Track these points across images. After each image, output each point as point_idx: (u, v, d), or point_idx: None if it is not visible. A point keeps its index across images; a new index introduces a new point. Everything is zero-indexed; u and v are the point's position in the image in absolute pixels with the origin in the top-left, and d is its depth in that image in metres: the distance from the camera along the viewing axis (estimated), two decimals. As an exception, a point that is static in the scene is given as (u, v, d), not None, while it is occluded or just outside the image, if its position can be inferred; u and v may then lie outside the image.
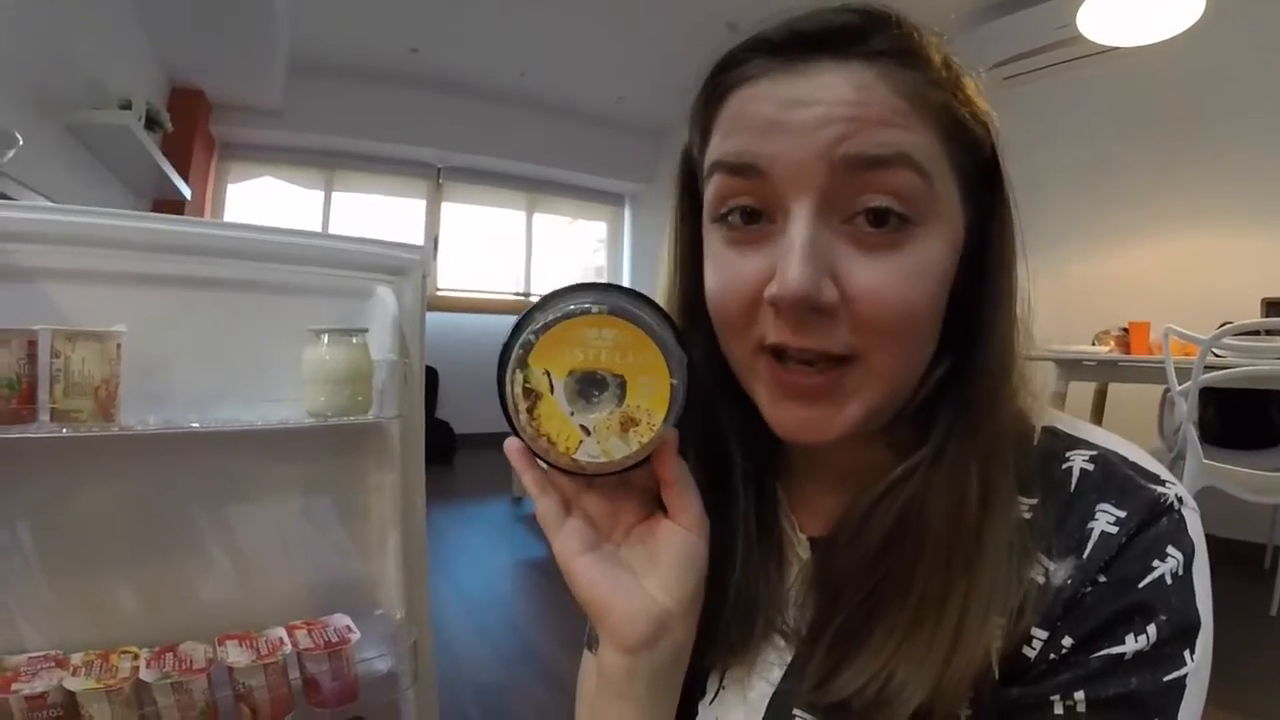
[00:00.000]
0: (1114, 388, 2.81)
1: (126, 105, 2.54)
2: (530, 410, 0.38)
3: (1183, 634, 0.36)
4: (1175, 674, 0.36)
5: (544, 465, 0.42)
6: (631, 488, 0.44)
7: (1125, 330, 2.61)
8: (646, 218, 6.27)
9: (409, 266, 1.20)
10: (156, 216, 1.01)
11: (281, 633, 1.03)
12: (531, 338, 0.38)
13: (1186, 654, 0.36)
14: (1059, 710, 0.36)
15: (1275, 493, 1.81)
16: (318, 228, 5.18)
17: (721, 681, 0.47)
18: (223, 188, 4.73)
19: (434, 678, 1.26)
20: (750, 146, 0.39)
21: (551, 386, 0.39)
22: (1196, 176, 3.00)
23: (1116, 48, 2.54)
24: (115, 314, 0.94)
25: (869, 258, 0.38)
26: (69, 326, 0.86)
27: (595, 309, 0.38)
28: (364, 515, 1.20)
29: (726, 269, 0.41)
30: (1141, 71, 3.11)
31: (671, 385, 0.39)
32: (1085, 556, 0.37)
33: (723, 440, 0.48)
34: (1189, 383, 1.90)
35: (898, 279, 0.38)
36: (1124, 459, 0.40)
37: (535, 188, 6.01)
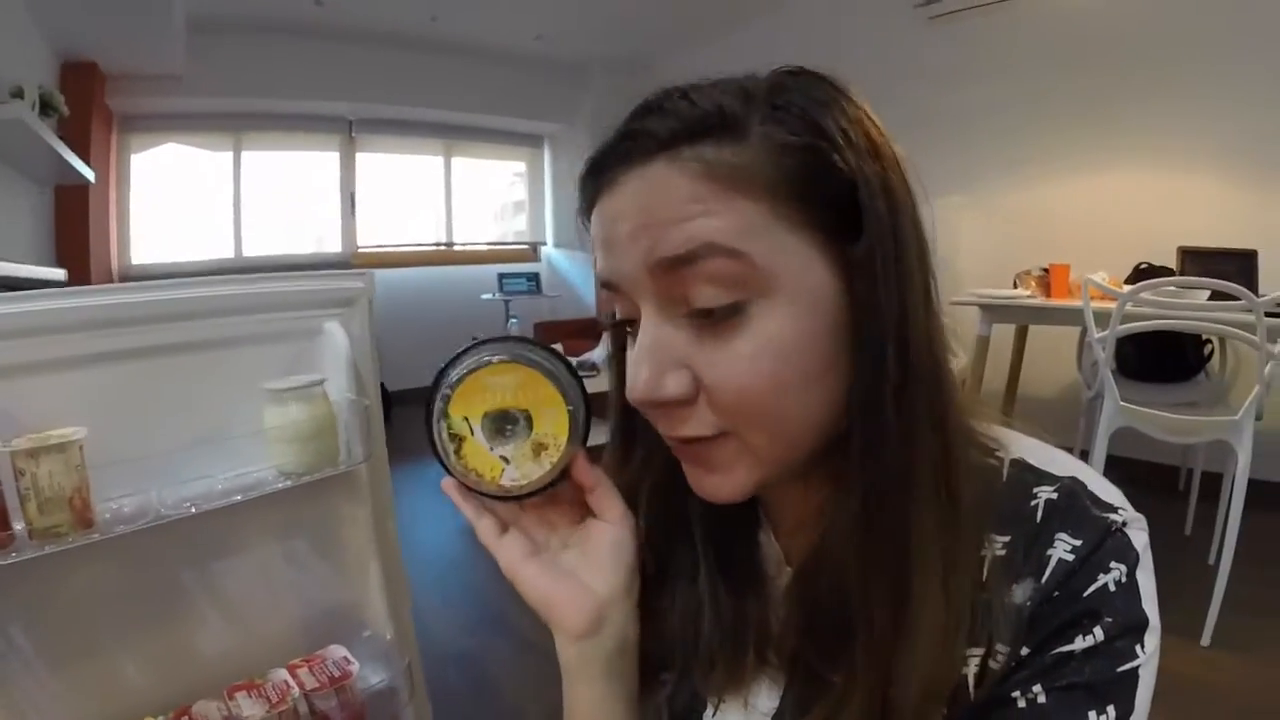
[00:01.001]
0: (1035, 326, 2.95)
1: (18, 93, 2.34)
2: (457, 451, 0.46)
3: (1131, 630, 0.38)
4: (1128, 665, 0.38)
5: (480, 495, 0.49)
6: (559, 501, 0.51)
7: (1046, 271, 2.73)
8: (566, 158, 6.15)
9: (355, 296, 1.19)
10: (81, 291, 0.95)
11: (284, 674, 1.06)
12: (448, 391, 0.46)
13: (1137, 648, 0.38)
14: (1021, 704, 0.38)
15: (1187, 433, 1.95)
16: (229, 192, 4.90)
17: (718, 706, 0.50)
18: (125, 161, 4.42)
19: (424, 685, 1.31)
20: (602, 264, 0.43)
21: (471, 429, 0.46)
22: (1120, 118, 3.08)
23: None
24: (58, 402, 0.92)
25: (713, 345, 0.40)
26: (25, 439, 0.82)
27: (495, 359, 0.46)
28: (342, 548, 1.22)
29: (622, 368, 0.46)
30: (1071, 11, 3.17)
31: (569, 411, 0.47)
32: (1043, 580, 0.39)
33: (682, 496, 0.48)
34: (1106, 331, 2.03)
35: (745, 361, 0.39)
36: (1085, 488, 0.42)
37: (452, 134, 5.82)
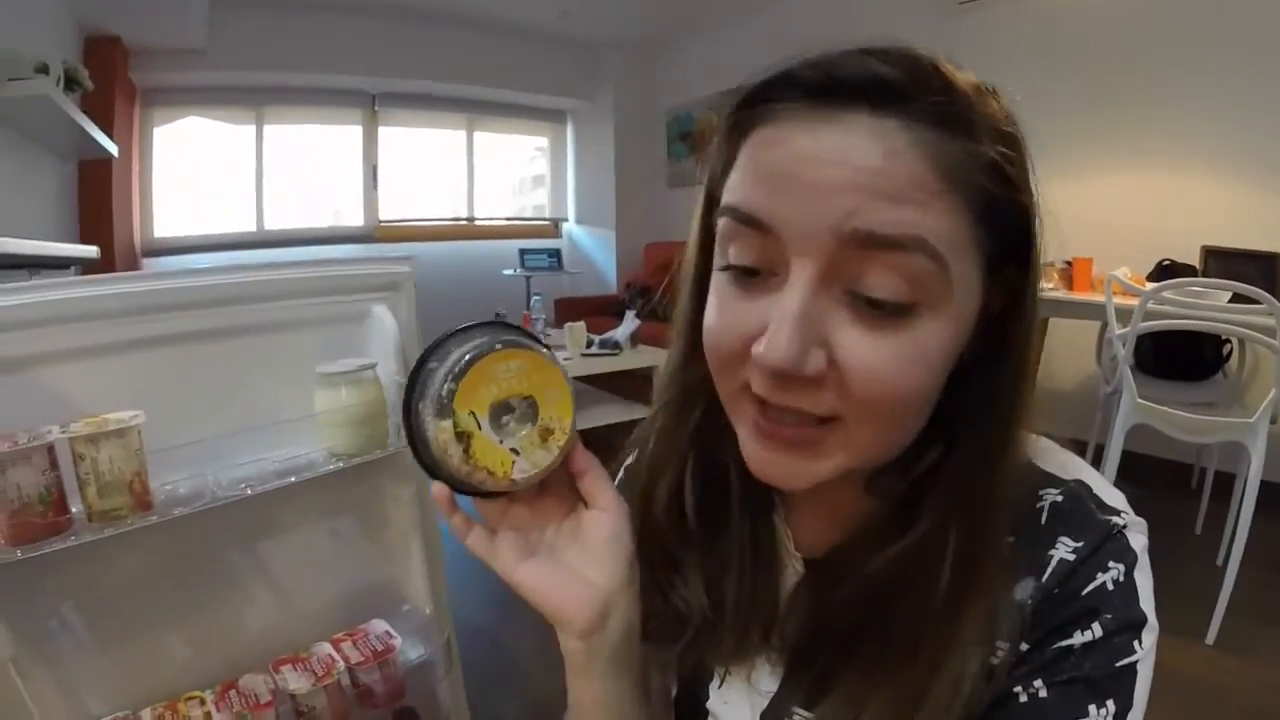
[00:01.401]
0: (1054, 319, 2.95)
1: (43, 69, 2.34)
2: (466, 450, 0.42)
3: (1129, 627, 0.39)
4: (1126, 660, 0.39)
5: (478, 494, 0.46)
6: (548, 490, 0.48)
7: (1069, 264, 2.73)
8: (590, 134, 6.13)
9: (401, 280, 1.21)
10: (133, 277, 0.98)
11: (328, 648, 1.11)
12: (452, 385, 0.41)
13: (1135, 644, 0.39)
14: (1023, 699, 0.39)
15: (1203, 433, 1.97)
16: (251, 166, 4.91)
17: (723, 678, 0.51)
18: (148, 135, 4.42)
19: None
20: (761, 201, 0.38)
21: (479, 424, 0.42)
22: (1146, 115, 3.05)
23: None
24: (112, 386, 0.94)
25: (866, 333, 0.37)
26: (83, 423, 0.84)
27: (499, 346, 0.43)
28: (385, 525, 1.27)
29: (723, 311, 0.41)
30: (1101, 4, 3.13)
31: (571, 391, 0.45)
32: (1044, 579, 0.40)
33: (725, 464, 0.49)
34: (1128, 328, 2.04)
35: (893, 361, 0.37)
36: (1089, 491, 0.43)
37: (475, 108, 5.78)
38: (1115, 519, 0.41)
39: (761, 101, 0.39)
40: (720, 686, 0.52)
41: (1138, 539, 0.41)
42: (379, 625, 1.18)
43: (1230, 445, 2.07)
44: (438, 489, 0.46)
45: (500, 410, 0.43)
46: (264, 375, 1.09)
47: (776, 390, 0.38)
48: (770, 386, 0.38)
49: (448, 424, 0.42)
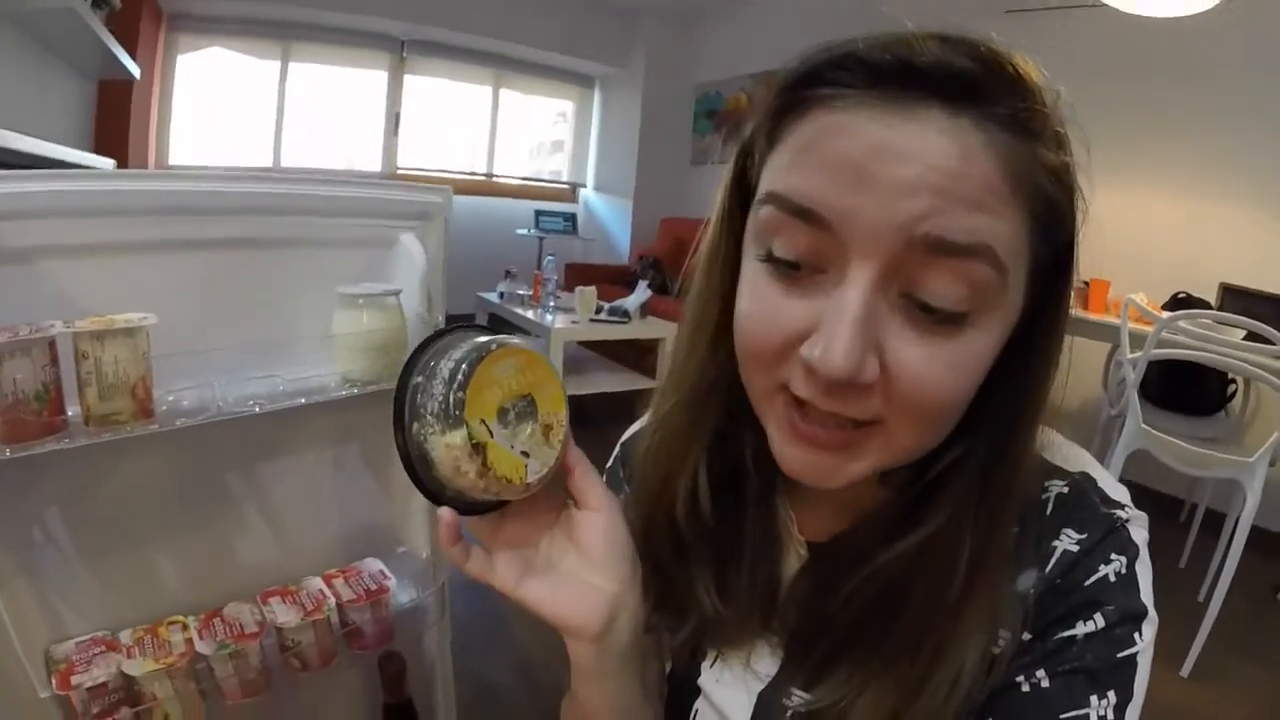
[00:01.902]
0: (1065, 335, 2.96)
1: (71, -18, 2.31)
2: (483, 462, 0.39)
3: (1130, 619, 0.40)
4: (1126, 652, 0.39)
5: (482, 510, 0.44)
6: (538, 494, 0.45)
7: (1086, 284, 2.73)
8: (617, 102, 6.08)
9: (434, 211, 1.16)
10: (160, 175, 0.94)
11: (320, 584, 1.09)
12: (460, 395, 0.39)
13: (1136, 636, 0.39)
14: (1025, 689, 0.39)
15: (1202, 467, 1.97)
16: (273, 102, 4.84)
17: (716, 657, 0.52)
18: (171, 61, 4.37)
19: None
20: (821, 193, 0.35)
21: (491, 431, 0.40)
22: (1178, 146, 3.03)
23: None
24: (122, 287, 0.89)
25: (920, 339, 0.36)
26: (90, 321, 0.79)
27: (495, 347, 0.41)
28: (390, 462, 1.21)
29: (764, 304, 0.39)
30: (1141, 29, 3.08)
31: (561, 382, 0.44)
32: (1047, 570, 0.41)
33: (739, 453, 0.49)
34: (1138, 354, 2.04)
35: (943, 368, 0.36)
36: (1094, 484, 0.43)
37: (504, 65, 5.72)
38: (1119, 512, 0.42)
39: (822, 83, 0.36)
40: (712, 665, 0.52)
41: (1139, 532, 0.42)
42: (373, 564, 1.16)
43: (1223, 483, 2.07)
44: (448, 518, 0.42)
45: (505, 414, 0.41)
46: (283, 292, 1.05)
47: (823, 396, 0.37)
48: (820, 393, 0.37)
49: (458, 437, 0.39)
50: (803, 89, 0.37)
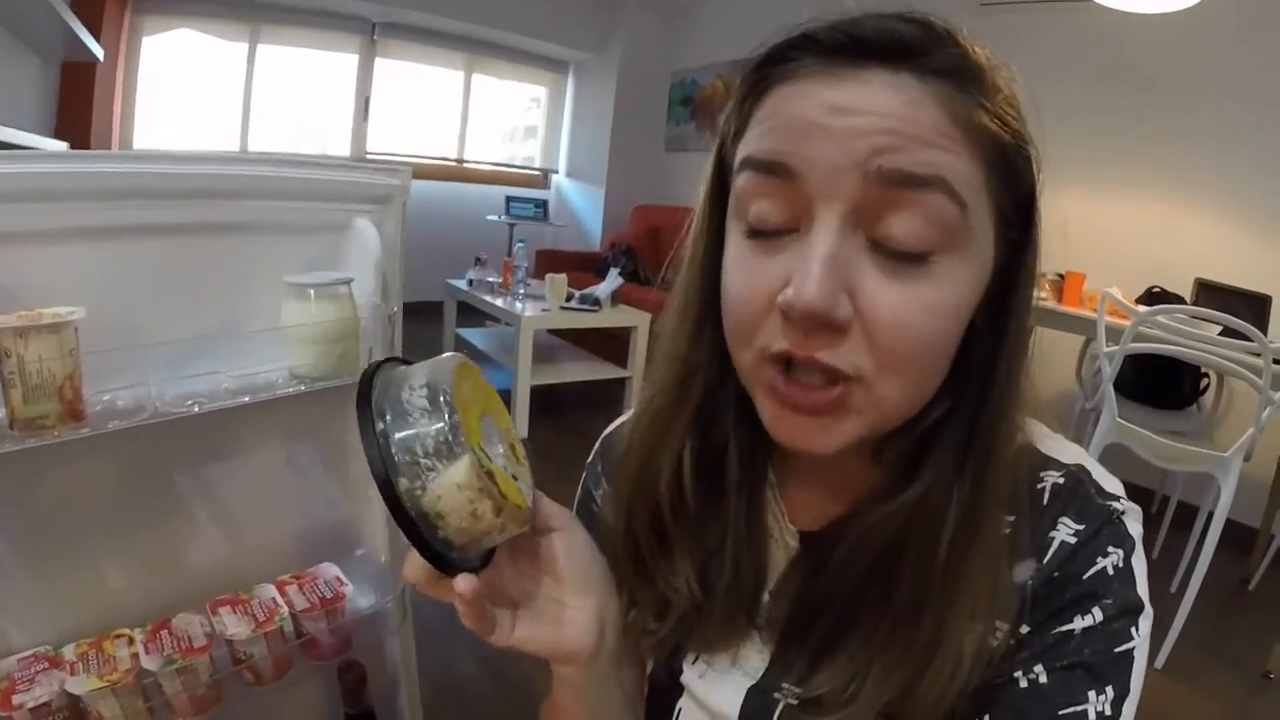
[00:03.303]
0: (1040, 330, 2.96)
1: (31, -37, 2.20)
2: (498, 493, 0.35)
3: (1128, 613, 0.40)
4: (1124, 646, 0.39)
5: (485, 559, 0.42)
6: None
7: (1061, 277, 2.74)
8: (591, 88, 6.01)
9: (392, 194, 1.09)
10: (88, 156, 0.84)
11: (273, 591, 1.03)
12: (455, 419, 0.34)
13: (1133, 630, 0.40)
14: (1024, 684, 0.39)
15: (1176, 461, 1.97)
16: (240, 85, 4.71)
17: (698, 654, 0.51)
18: (136, 42, 4.21)
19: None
20: (785, 146, 0.38)
21: (489, 456, 0.36)
22: (1153, 144, 3.04)
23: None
24: (54, 278, 0.82)
25: (892, 281, 0.37)
26: (14, 315, 0.72)
27: (454, 362, 0.38)
28: (346, 459, 1.17)
29: (744, 271, 0.40)
30: (1119, 29, 3.09)
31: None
32: (1045, 561, 0.41)
33: (723, 445, 0.49)
34: (1115, 347, 2.03)
35: (919, 309, 0.37)
36: (1089, 476, 0.44)
37: (476, 49, 5.62)
38: (1115, 504, 0.42)
39: (779, 62, 0.40)
40: (694, 662, 0.51)
41: (1135, 526, 0.42)
42: (329, 570, 1.10)
43: (1195, 476, 2.08)
44: (466, 590, 0.38)
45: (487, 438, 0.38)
46: (230, 281, 0.98)
47: (802, 339, 0.38)
48: (797, 335, 0.38)
49: (465, 471, 0.33)
50: (766, 69, 0.40)
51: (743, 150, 0.40)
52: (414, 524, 0.35)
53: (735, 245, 0.42)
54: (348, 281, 1.00)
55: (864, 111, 0.36)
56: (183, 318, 0.92)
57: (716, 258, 0.44)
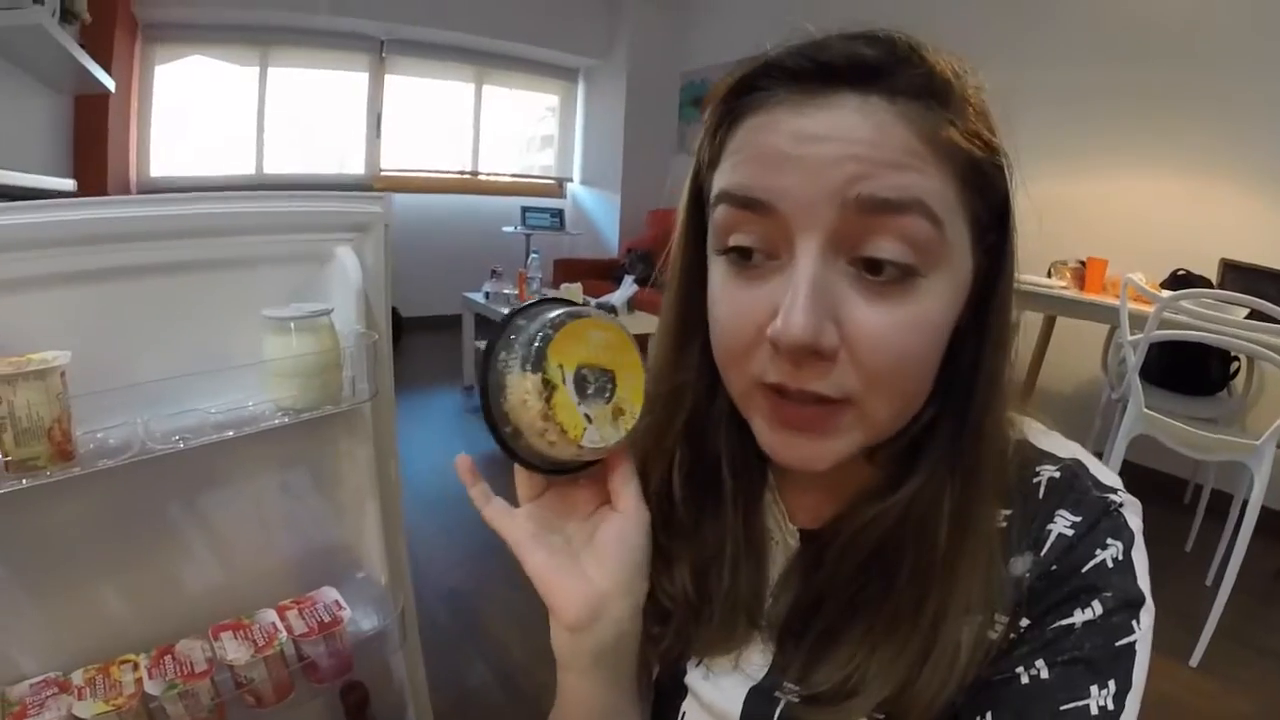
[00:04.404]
0: (1062, 319, 2.89)
1: (38, -1, 2.25)
2: (548, 400, 0.41)
3: (1128, 606, 0.40)
4: (1125, 640, 0.39)
5: (536, 464, 0.46)
6: (582, 484, 0.48)
7: (1082, 264, 2.66)
8: (601, 94, 6.01)
9: (371, 221, 1.10)
10: (70, 204, 0.87)
11: (273, 616, 1.04)
12: (549, 332, 0.41)
13: (1134, 623, 0.39)
14: (1025, 680, 0.39)
15: (1206, 450, 1.90)
16: (253, 108, 4.79)
17: (703, 662, 0.51)
18: (149, 72, 4.30)
19: (418, 629, 1.30)
20: (759, 180, 0.38)
21: (564, 378, 0.41)
22: (1174, 124, 2.95)
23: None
24: (38, 322, 0.85)
25: (874, 304, 0.38)
26: (2, 363, 0.76)
27: (594, 313, 0.43)
28: (339, 486, 1.19)
29: (729, 302, 0.41)
30: (1130, 5, 3.01)
31: (647, 381, 0.45)
32: (1042, 554, 0.41)
33: (715, 458, 0.50)
34: (1139, 335, 1.97)
35: (901, 329, 0.38)
36: (1086, 470, 0.44)
37: (485, 61, 5.65)
38: (1112, 497, 0.42)
39: (748, 91, 0.40)
40: (698, 665, 0.51)
41: (1134, 519, 0.42)
42: (329, 594, 1.11)
43: (1228, 464, 2.01)
44: (463, 460, 0.47)
45: (582, 377, 0.43)
46: (212, 317, 1.00)
47: (793, 371, 0.38)
48: (788, 368, 0.38)
49: (535, 373, 0.41)
50: (733, 100, 0.41)
51: (719, 182, 0.41)
52: (486, 383, 0.43)
53: (718, 273, 0.42)
54: (327, 312, 1.01)
55: (835, 139, 0.36)
56: (169, 355, 0.94)
57: (698, 280, 0.45)
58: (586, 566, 0.46)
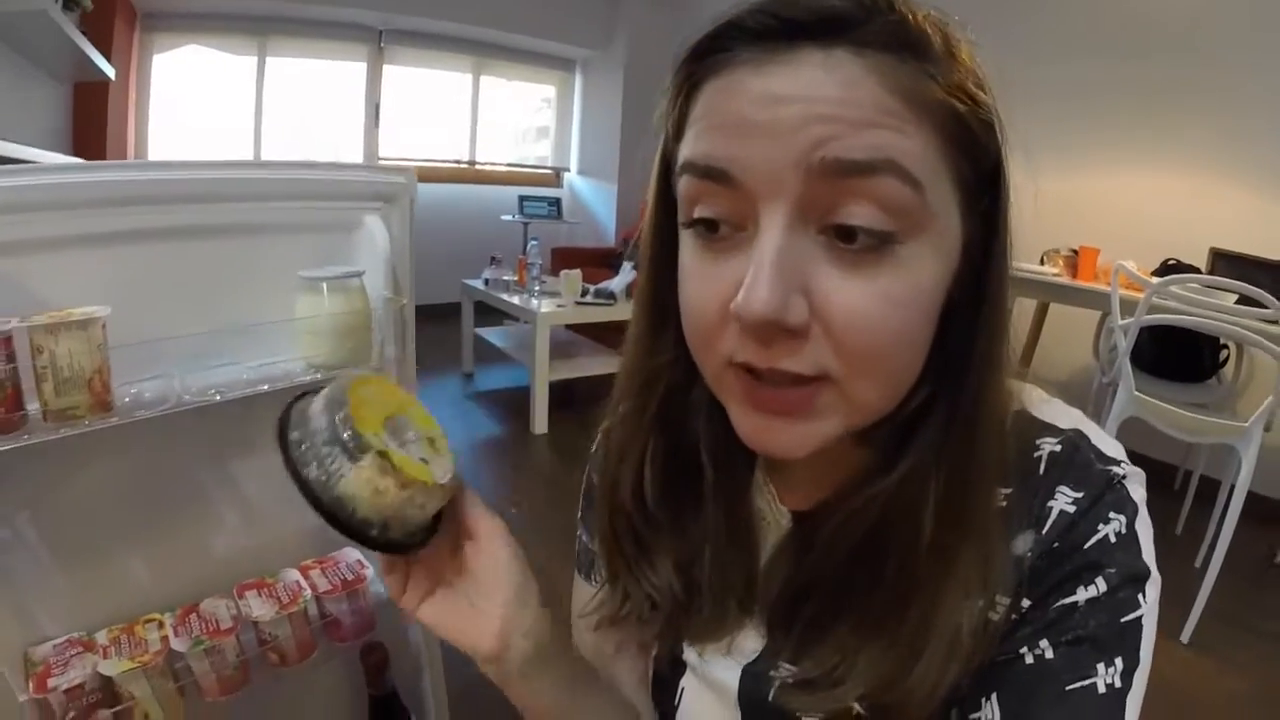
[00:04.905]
0: (1055, 305, 2.94)
1: (42, -15, 2.26)
2: (393, 469, 0.40)
3: (1133, 581, 0.38)
4: (1131, 615, 0.38)
5: (402, 542, 0.44)
6: (438, 540, 0.47)
7: (1075, 252, 2.71)
8: (598, 84, 6.04)
9: (398, 193, 1.12)
10: (111, 166, 0.88)
11: (296, 575, 1.06)
12: (346, 414, 0.40)
13: (1139, 598, 0.38)
14: (1030, 660, 0.38)
15: (1196, 433, 1.94)
16: (251, 98, 4.78)
17: (696, 649, 0.52)
18: (147, 61, 4.30)
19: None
20: (720, 149, 0.36)
21: (385, 441, 0.41)
22: (1167, 118, 3.00)
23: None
24: (80, 280, 0.87)
25: (848, 276, 0.35)
26: (45, 315, 0.77)
27: (351, 374, 0.44)
28: None
29: (697, 278, 0.39)
30: (1134, 1, 3.06)
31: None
32: (1044, 532, 0.40)
33: (694, 447, 0.48)
34: (1130, 320, 2.01)
35: (879, 302, 0.35)
36: (1088, 441, 0.42)
37: (483, 51, 5.68)
38: (1115, 469, 0.41)
39: (706, 54, 0.37)
40: (690, 648, 0.52)
41: (1137, 490, 0.41)
42: (350, 554, 1.13)
43: (1218, 450, 2.06)
44: (387, 563, 0.46)
45: (391, 431, 0.42)
46: (244, 279, 1.02)
47: (761, 349, 0.36)
48: (754, 345, 0.36)
49: (363, 455, 0.39)
50: (695, 63, 0.38)
51: (682, 153, 0.39)
52: (328, 509, 0.40)
53: (687, 249, 0.40)
54: (359, 274, 1.03)
55: (798, 99, 0.33)
56: (202, 316, 0.96)
57: (670, 259, 0.43)
58: (475, 600, 0.46)
